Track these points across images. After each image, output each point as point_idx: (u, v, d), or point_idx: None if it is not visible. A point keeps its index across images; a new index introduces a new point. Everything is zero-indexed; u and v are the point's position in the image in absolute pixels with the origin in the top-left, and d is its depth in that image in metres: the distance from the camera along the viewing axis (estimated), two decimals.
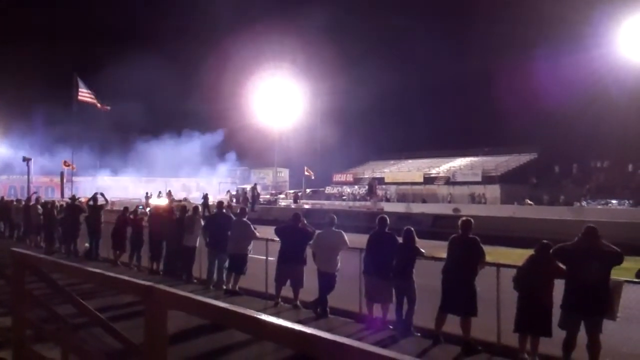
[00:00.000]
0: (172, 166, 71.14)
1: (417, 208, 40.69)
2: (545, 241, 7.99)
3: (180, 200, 38.08)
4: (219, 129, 72.97)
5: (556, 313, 7.55)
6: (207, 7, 79.55)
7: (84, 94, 46.61)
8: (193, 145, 72.56)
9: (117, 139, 67.33)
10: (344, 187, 63.20)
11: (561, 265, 7.68)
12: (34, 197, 22.91)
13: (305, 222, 11.42)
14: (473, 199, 49.17)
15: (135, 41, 70.89)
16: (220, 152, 75.06)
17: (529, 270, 7.87)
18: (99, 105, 48.26)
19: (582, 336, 7.35)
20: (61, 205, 20.86)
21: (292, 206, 44.40)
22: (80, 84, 46.44)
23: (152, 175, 68.69)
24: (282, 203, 50.93)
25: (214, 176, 74.64)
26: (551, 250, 7.83)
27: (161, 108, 72.34)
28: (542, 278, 7.67)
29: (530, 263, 7.95)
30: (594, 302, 7.20)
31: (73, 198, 20.87)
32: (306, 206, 43.14)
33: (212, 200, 35.84)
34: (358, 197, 54.61)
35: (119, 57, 62.45)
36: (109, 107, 49.26)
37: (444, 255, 8.89)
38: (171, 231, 14.34)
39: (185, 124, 71.04)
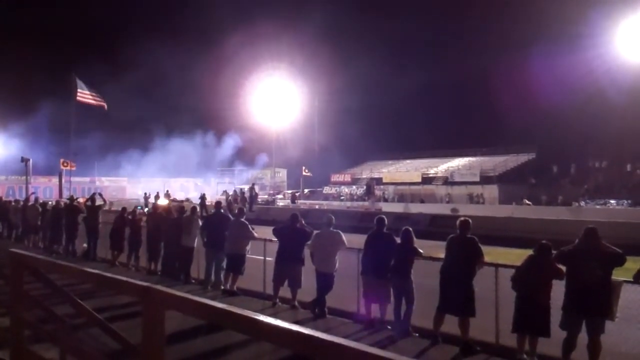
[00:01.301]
0: (171, 168, 71.13)
1: (415, 208, 40.65)
2: (544, 242, 8.00)
3: (181, 201, 38.15)
4: (216, 129, 72.86)
5: (556, 314, 7.55)
6: (204, 8, 79.62)
7: (83, 95, 46.51)
8: (192, 146, 72.47)
9: (116, 139, 67.20)
10: (342, 187, 63.14)
11: (560, 267, 7.69)
12: (32, 198, 22.89)
13: (303, 222, 11.43)
14: (471, 199, 49.16)
15: (134, 42, 70.86)
16: (245, 154, 74.79)
17: (527, 271, 7.87)
18: (97, 104, 48.15)
19: (581, 336, 7.36)
20: (61, 206, 20.87)
21: (290, 206, 44.35)
22: (80, 84, 46.31)
23: (150, 176, 68.66)
24: (280, 203, 50.91)
25: (212, 177, 74.69)
26: (552, 255, 7.84)
27: (160, 109, 72.37)
28: (541, 278, 7.68)
29: (529, 263, 7.95)
30: (596, 303, 7.20)
31: (71, 198, 20.87)
32: (303, 206, 43.08)
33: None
34: (356, 197, 54.58)
35: (118, 57, 62.43)
36: (105, 106, 49.09)
37: (442, 255, 8.90)
38: (169, 231, 14.33)
39: (184, 124, 70.99)
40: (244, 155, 74.91)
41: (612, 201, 41.92)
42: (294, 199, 52.53)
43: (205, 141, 73.48)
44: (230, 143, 73.19)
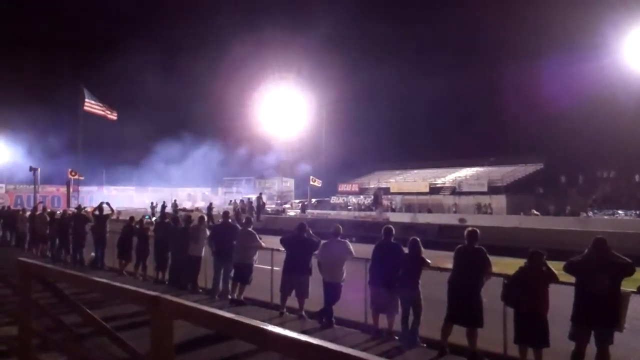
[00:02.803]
0: (178, 177, 71.17)
1: (423, 218, 40.58)
2: (535, 250, 8.01)
3: (191, 210, 38.23)
4: (224, 138, 72.95)
5: (564, 324, 7.52)
6: (212, 18, 79.98)
7: (90, 105, 46.63)
8: (199, 156, 72.51)
9: (123, 149, 67.42)
10: (350, 197, 63.08)
11: (550, 269, 7.70)
12: (40, 207, 22.97)
13: (311, 232, 11.42)
14: (479, 209, 49.02)
15: (140, 52, 71.12)
16: (252, 164, 74.68)
17: (520, 281, 7.86)
18: (105, 115, 48.26)
19: (589, 347, 7.32)
20: (69, 215, 20.96)
21: (298, 216, 44.32)
22: (87, 94, 46.43)
23: (158, 185, 68.83)
24: (291, 213, 50.89)
25: (219, 187, 74.88)
26: (543, 261, 7.85)
27: (167, 118, 72.63)
28: (537, 288, 7.67)
29: (520, 274, 7.95)
30: (605, 313, 7.17)
31: (79, 207, 20.93)
32: (311, 216, 43.05)
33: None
34: (363, 207, 54.51)
35: (126, 67, 62.65)
36: (115, 117, 49.19)
37: (450, 265, 8.88)
38: (177, 241, 14.34)
39: (191, 134, 71.12)
40: (251, 165, 74.99)
41: (620, 212, 41.75)
42: (303, 208, 52.54)
43: (212, 150, 73.61)
44: (238, 152, 73.29)
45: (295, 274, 10.82)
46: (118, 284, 4.25)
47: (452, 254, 8.90)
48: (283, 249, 11.35)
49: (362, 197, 61.10)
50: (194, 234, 13.99)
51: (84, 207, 21.64)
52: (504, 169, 59.12)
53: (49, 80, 65.96)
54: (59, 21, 75.17)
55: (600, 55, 46.66)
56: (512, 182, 54.38)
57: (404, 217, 42.19)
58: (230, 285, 12.65)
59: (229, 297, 12.48)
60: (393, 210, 51.74)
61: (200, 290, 13.70)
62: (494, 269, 8.59)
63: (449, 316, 8.54)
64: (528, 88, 58.28)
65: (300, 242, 11.07)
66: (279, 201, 61.68)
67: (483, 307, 8.32)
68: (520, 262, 8.28)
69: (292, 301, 11.03)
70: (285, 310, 11.06)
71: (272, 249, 12.18)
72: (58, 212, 22.50)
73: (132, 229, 16.58)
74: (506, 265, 9.25)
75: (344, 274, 10.40)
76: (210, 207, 38.68)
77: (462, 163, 64.77)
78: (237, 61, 70.60)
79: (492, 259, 8.59)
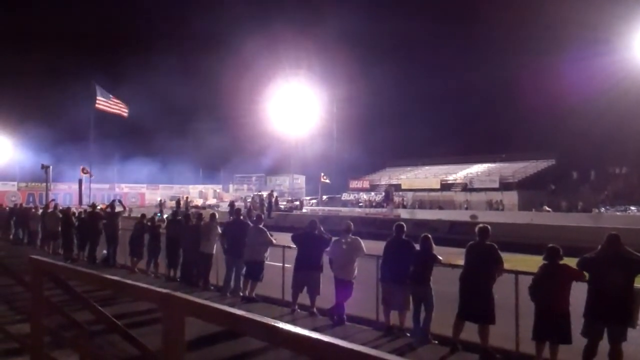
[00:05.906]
0: (189, 175, 71.40)
1: (434, 215, 40.48)
2: (550, 245, 7.94)
3: (204, 207, 38.06)
4: (234, 135, 73.01)
5: (577, 321, 7.47)
6: (223, 14, 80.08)
7: (103, 103, 46.70)
8: (210, 153, 72.70)
9: (135, 146, 67.69)
10: (361, 193, 62.99)
11: (575, 268, 7.63)
12: (52, 204, 23.05)
13: (322, 229, 11.40)
14: (490, 205, 48.86)
15: (152, 49, 71.39)
16: (263, 161, 74.71)
17: (542, 278, 7.81)
18: (117, 113, 48.32)
19: (602, 344, 7.28)
20: (80, 213, 21.02)
21: (309, 213, 44.39)
22: (99, 92, 46.48)
23: (169, 183, 69.05)
24: (304, 209, 51.09)
25: (230, 184, 75.01)
26: (562, 257, 7.79)
27: (178, 115, 72.82)
28: (557, 284, 7.62)
29: (542, 271, 7.89)
30: (618, 310, 7.13)
31: (93, 205, 20.98)
32: (322, 213, 43.07)
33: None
34: (374, 204, 54.44)
35: (138, 65, 62.91)
36: (126, 114, 49.22)
37: (462, 262, 8.86)
38: (188, 238, 14.37)
39: (202, 131, 71.25)
40: (262, 162, 75.11)
41: (632, 207, 41.50)
42: (301, 205, 53.07)
43: (223, 148, 73.76)
44: (250, 149, 73.40)
45: (306, 270, 10.81)
46: (130, 282, 4.25)
47: (463, 250, 8.87)
48: (294, 246, 11.35)
49: (373, 193, 61.02)
50: (205, 232, 14.01)
51: (97, 205, 21.67)
52: (515, 165, 58.90)
53: (61, 77, 66.24)
54: (71, 16, 75.52)
55: (612, 50, 46.35)
56: (524, 178, 54.16)
57: (415, 214, 42.09)
58: (241, 283, 12.67)
59: (241, 294, 12.50)
60: (404, 206, 51.61)
61: (212, 288, 13.73)
62: (506, 266, 8.55)
63: (461, 313, 8.51)
64: (539, 84, 58.11)
65: (312, 239, 11.07)
66: (290, 198, 61.77)
67: (495, 304, 8.29)
68: (533, 258, 8.24)
69: (304, 298, 11.03)
70: (296, 307, 11.06)
71: (284, 246, 12.18)
72: (73, 210, 22.44)
73: (143, 227, 16.62)
74: (518, 262, 9.22)
75: (355, 271, 10.38)
76: (232, 204, 37.94)
77: (474, 159, 64.56)
78: (247, 58, 70.86)
79: (504, 255, 8.55)
